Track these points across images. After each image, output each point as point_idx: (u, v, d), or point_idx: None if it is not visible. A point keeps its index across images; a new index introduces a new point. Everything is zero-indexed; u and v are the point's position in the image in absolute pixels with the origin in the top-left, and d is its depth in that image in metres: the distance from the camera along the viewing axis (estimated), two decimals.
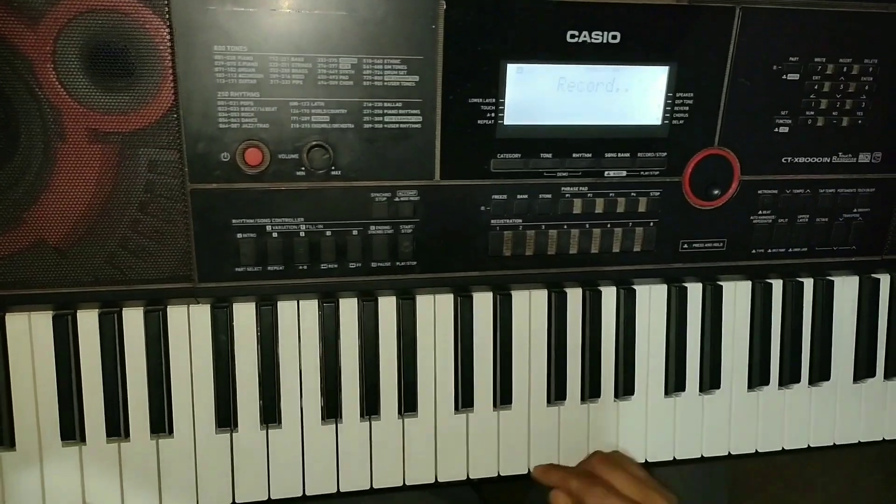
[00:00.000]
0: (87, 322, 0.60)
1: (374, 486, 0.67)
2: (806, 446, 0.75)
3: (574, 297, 0.68)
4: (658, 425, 0.72)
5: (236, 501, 0.64)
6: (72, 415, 0.61)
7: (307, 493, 0.66)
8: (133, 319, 0.61)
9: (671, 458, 0.72)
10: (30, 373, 0.60)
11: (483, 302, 0.67)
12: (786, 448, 0.75)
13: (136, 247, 0.58)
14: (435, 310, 0.66)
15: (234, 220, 0.59)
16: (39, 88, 0.54)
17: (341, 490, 0.66)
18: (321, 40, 0.55)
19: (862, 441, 0.77)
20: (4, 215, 0.56)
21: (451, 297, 0.66)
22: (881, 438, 0.77)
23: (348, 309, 0.64)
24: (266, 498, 0.65)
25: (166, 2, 0.53)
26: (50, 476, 0.61)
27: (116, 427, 0.61)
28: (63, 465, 0.61)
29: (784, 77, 0.63)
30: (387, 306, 0.65)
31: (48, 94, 0.54)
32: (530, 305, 0.68)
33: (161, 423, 0.62)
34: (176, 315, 0.62)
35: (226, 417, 0.63)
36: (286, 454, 0.65)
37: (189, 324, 0.62)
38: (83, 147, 0.55)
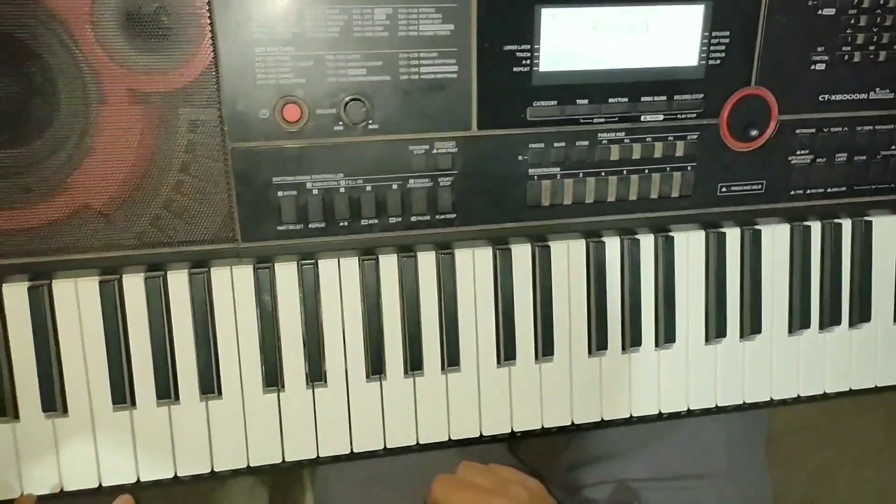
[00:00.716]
0: (133, 286, 0.61)
1: (420, 442, 0.68)
2: (847, 389, 0.75)
3: (612, 245, 0.68)
4: (699, 373, 0.72)
5: (286, 459, 0.65)
6: (122, 379, 0.61)
7: (354, 450, 0.66)
8: (178, 282, 0.61)
9: (713, 406, 0.72)
10: (78, 339, 0.61)
11: (522, 254, 0.67)
12: (827, 392, 0.75)
13: (179, 208, 0.59)
14: (474, 263, 0.66)
15: (274, 179, 0.59)
16: (79, 51, 0.54)
17: (388, 446, 0.67)
18: None
19: None
20: (48, 182, 0.57)
21: (489, 250, 0.66)
22: None
23: (388, 265, 0.64)
24: (315, 456, 0.66)
25: None
26: (103, 440, 0.62)
27: (166, 390, 0.62)
28: (115, 429, 0.62)
29: (820, 12, 0.62)
30: (426, 261, 0.65)
31: (88, 57, 0.54)
32: (569, 256, 0.68)
33: (210, 384, 0.62)
34: (220, 276, 0.62)
35: (273, 377, 0.63)
36: (333, 412, 0.65)
37: (233, 284, 0.62)
38: (124, 109, 0.56)
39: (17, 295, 0.59)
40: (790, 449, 1.52)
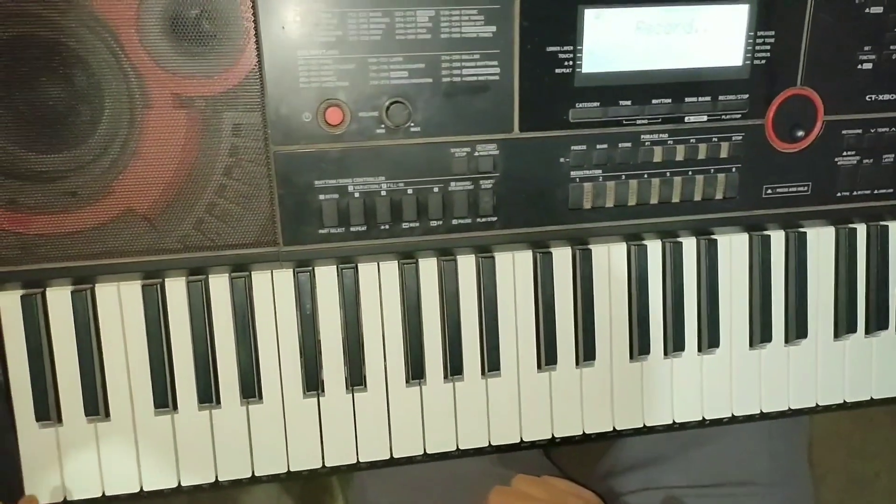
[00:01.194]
0: (176, 290, 0.61)
1: (460, 448, 0.67)
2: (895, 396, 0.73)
3: (654, 249, 0.67)
4: (743, 378, 0.70)
5: (326, 465, 0.65)
6: (164, 383, 0.61)
7: (394, 456, 0.66)
8: (220, 286, 0.61)
9: (758, 412, 0.71)
10: (121, 342, 0.61)
11: (562, 258, 0.66)
12: (874, 398, 0.73)
13: (221, 212, 0.59)
14: (514, 267, 0.65)
15: (316, 182, 0.59)
16: (125, 55, 0.54)
17: (427, 452, 0.66)
18: None
19: None
20: (93, 186, 0.57)
21: (529, 253, 0.65)
22: None
23: (428, 269, 0.64)
24: (355, 461, 0.65)
25: None
26: (144, 445, 0.62)
27: (208, 394, 0.62)
28: (156, 433, 0.62)
29: (867, 10, 0.61)
30: (466, 265, 0.65)
31: (133, 62, 0.55)
32: (610, 259, 0.67)
33: (251, 388, 0.62)
34: (261, 280, 0.62)
35: (313, 382, 0.63)
36: (373, 417, 0.65)
37: (273, 289, 0.62)
38: (169, 113, 0.56)
39: (60, 299, 0.60)
40: (825, 458, 1.50)
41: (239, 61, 0.56)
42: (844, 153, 0.66)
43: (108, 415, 0.61)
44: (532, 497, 0.58)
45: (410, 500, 0.73)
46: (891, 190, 0.68)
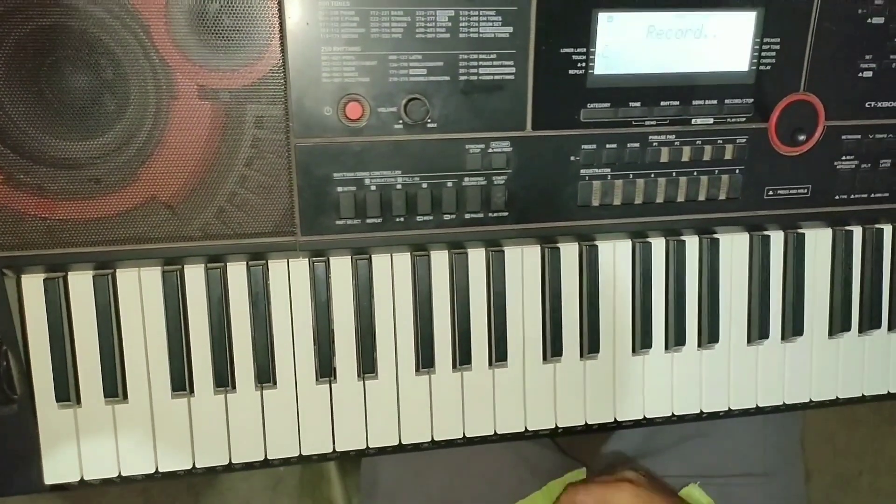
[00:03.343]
0: (195, 276, 0.63)
1: (467, 436, 0.69)
2: (886, 392, 0.76)
3: (658, 246, 0.69)
4: (741, 373, 0.73)
5: (336, 449, 0.67)
6: (181, 367, 0.63)
7: (403, 442, 0.68)
8: (237, 273, 0.63)
9: (754, 406, 0.74)
10: (140, 327, 0.63)
11: (570, 253, 0.68)
12: (865, 395, 0.76)
13: (242, 201, 0.60)
14: (523, 261, 0.67)
15: (335, 174, 0.61)
16: (153, 47, 0.56)
17: (435, 439, 0.68)
18: None
19: None
20: (118, 173, 0.58)
21: (538, 248, 0.67)
22: None
23: (440, 261, 0.66)
24: (364, 447, 0.67)
25: None
26: (161, 427, 0.64)
27: (224, 378, 0.63)
28: (173, 416, 0.64)
29: (869, 21, 0.64)
30: (477, 258, 0.66)
31: (161, 53, 0.56)
32: (615, 256, 0.69)
33: (266, 373, 0.64)
34: (277, 269, 0.64)
35: (326, 369, 0.65)
36: (383, 404, 0.67)
37: (289, 277, 0.64)
38: (194, 104, 0.57)
39: (82, 283, 0.61)
40: (812, 457, 1.53)
41: (264, 56, 0.57)
42: (844, 157, 0.68)
43: (126, 397, 0.63)
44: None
45: (418, 482, 0.75)
46: (887, 194, 0.70)
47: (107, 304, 0.61)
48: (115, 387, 0.62)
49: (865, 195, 0.70)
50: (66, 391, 0.61)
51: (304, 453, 0.66)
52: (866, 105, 0.67)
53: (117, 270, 0.62)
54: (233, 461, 0.65)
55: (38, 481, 0.63)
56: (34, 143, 0.57)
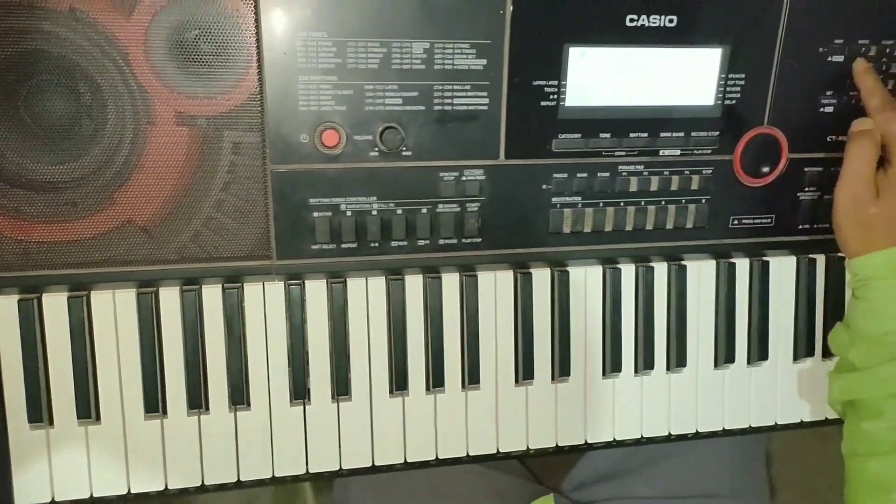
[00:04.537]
0: (169, 299, 0.63)
1: (439, 457, 0.70)
2: None
3: (628, 272, 0.71)
4: (708, 396, 0.74)
5: (309, 471, 0.67)
6: (155, 389, 0.63)
7: (376, 464, 0.69)
8: (212, 296, 0.64)
9: (721, 429, 0.75)
10: (114, 348, 0.63)
11: (542, 278, 0.69)
12: (828, 418, 0.78)
13: (218, 225, 0.61)
14: (496, 286, 0.69)
15: (311, 200, 0.62)
16: (131, 74, 0.57)
17: (408, 460, 0.69)
18: (396, 26, 0.58)
19: None
20: (94, 196, 0.59)
21: (511, 273, 0.69)
22: None
23: (414, 285, 0.67)
24: (337, 468, 0.68)
25: None
26: (134, 448, 0.64)
27: (197, 400, 0.64)
28: (145, 438, 0.64)
29: (830, 59, 0.66)
30: (450, 282, 0.68)
31: (140, 80, 0.57)
32: (586, 281, 0.70)
33: (239, 395, 0.65)
34: (252, 292, 0.64)
35: (300, 391, 0.66)
36: (357, 426, 0.68)
37: (264, 300, 0.65)
38: (171, 130, 0.58)
39: (56, 305, 0.61)
40: (781, 473, 1.55)
41: (242, 83, 0.58)
42: (806, 189, 0.70)
43: (98, 418, 0.63)
44: None
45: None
46: None
47: (81, 326, 0.62)
48: (88, 408, 0.62)
49: (828, 225, 0.71)
50: (39, 412, 0.62)
51: (277, 475, 0.67)
52: (828, 139, 0.69)
53: (92, 292, 0.62)
54: (205, 482, 0.66)
55: (8, 503, 0.63)
56: (11, 167, 0.57)
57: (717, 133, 0.67)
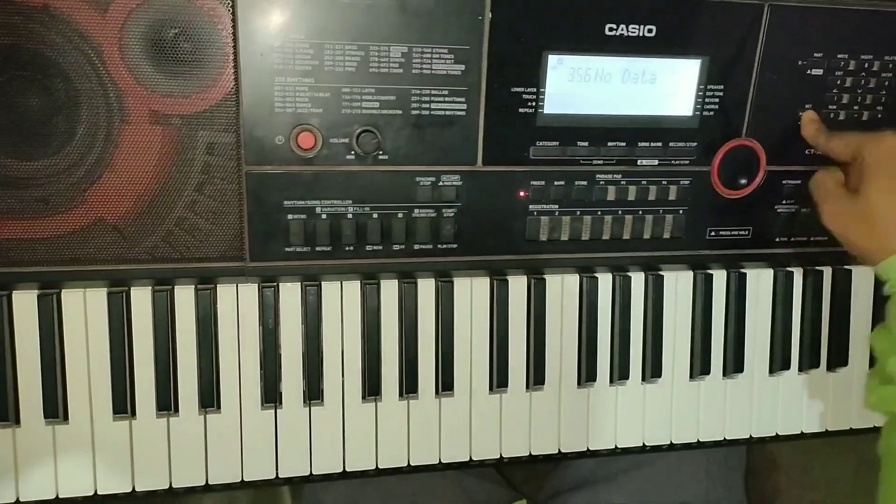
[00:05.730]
0: (141, 299, 0.63)
1: (411, 464, 0.69)
2: (824, 430, 0.78)
3: (604, 281, 0.71)
4: (683, 407, 0.74)
5: (280, 476, 0.67)
6: (124, 390, 0.63)
7: (347, 469, 0.68)
8: (185, 297, 0.63)
9: (695, 440, 0.75)
10: (83, 348, 0.62)
11: (518, 285, 0.69)
12: (805, 431, 0.78)
13: (191, 226, 0.61)
14: (472, 292, 0.68)
15: (285, 202, 0.61)
16: (106, 71, 0.56)
17: (379, 467, 0.69)
18: (374, 29, 0.58)
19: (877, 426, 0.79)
20: (66, 194, 0.59)
21: (487, 280, 0.69)
22: None
23: (389, 290, 0.67)
24: (308, 473, 0.67)
25: None
26: (102, 449, 0.63)
27: (167, 402, 0.63)
28: (113, 438, 0.63)
29: (809, 72, 0.66)
30: (426, 288, 0.67)
31: (114, 78, 0.56)
32: (563, 290, 0.70)
33: (209, 397, 0.64)
34: (225, 293, 0.64)
35: (271, 394, 0.65)
36: (328, 431, 0.67)
37: (237, 302, 0.64)
38: (145, 128, 0.58)
39: (26, 302, 0.61)
40: (765, 487, 1.55)
41: (217, 83, 0.58)
42: (784, 202, 0.70)
43: (66, 418, 0.62)
44: None
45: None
46: (826, 237, 0.72)
47: (50, 324, 0.61)
48: (55, 407, 0.61)
49: (805, 238, 0.72)
50: (5, 411, 0.61)
51: (246, 479, 0.66)
52: (806, 152, 0.69)
53: (62, 291, 0.62)
54: (173, 485, 0.65)
55: None
56: None
57: (695, 144, 0.67)
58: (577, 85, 0.63)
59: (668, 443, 0.74)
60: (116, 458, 0.64)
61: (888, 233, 0.60)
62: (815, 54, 0.66)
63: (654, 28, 0.62)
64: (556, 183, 0.65)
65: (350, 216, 0.63)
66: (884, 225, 0.60)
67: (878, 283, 0.66)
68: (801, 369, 0.77)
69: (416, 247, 0.65)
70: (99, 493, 0.64)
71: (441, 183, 0.64)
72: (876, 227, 0.60)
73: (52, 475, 0.63)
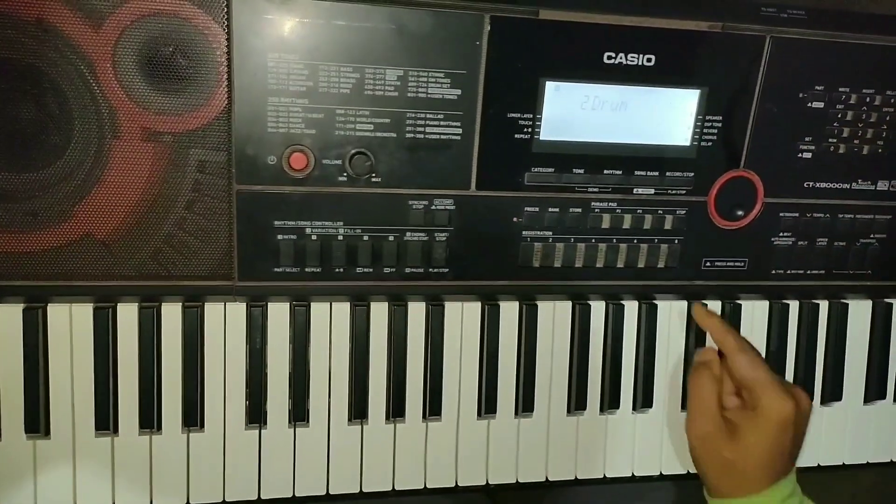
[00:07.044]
0: (127, 316, 0.62)
1: (396, 488, 0.68)
2: (816, 465, 0.77)
3: (597, 309, 0.70)
4: (674, 439, 0.73)
5: (262, 497, 0.66)
6: (107, 406, 0.62)
7: (330, 492, 0.67)
8: (171, 314, 0.62)
9: (686, 472, 0.74)
10: (68, 363, 0.62)
11: (509, 311, 0.68)
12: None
13: (180, 243, 0.60)
14: (462, 317, 0.68)
15: (276, 222, 0.61)
16: (98, 87, 0.56)
17: (364, 490, 0.68)
18: (370, 52, 0.58)
19: (870, 462, 0.78)
20: (55, 208, 0.58)
21: (478, 305, 0.68)
22: (889, 460, 0.79)
23: (379, 312, 0.66)
24: (291, 495, 0.66)
25: (226, 10, 0.55)
26: (82, 466, 0.63)
27: (150, 420, 0.63)
28: (95, 455, 0.63)
29: (809, 105, 0.66)
30: (416, 311, 0.67)
31: (106, 93, 0.56)
32: (554, 316, 0.69)
33: (193, 416, 0.63)
34: (213, 312, 0.63)
35: (256, 414, 0.64)
36: (312, 453, 0.66)
37: (225, 320, 0.64)
38: (136, 145, 0.57)
39: (11, 316, 0.60)
40: None
41: (210, 102, 0.57)
42: (781, 234, 0.69)
43: (48, 434, 0.62)
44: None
45: None
46: (823, 271, 0.72)
47: (35, 339, 0.60)
48: (37, 422, 0.61)
49: (802, 271, 0.71)
50: None
51: (228, 499, 0.65)
52: (804, 185, 0.68)
53: (48, 305, 0.61)
54: (154, 503, 0.64)
55: None
56: None
57: (693, 174, 0.66)
58: (575, 112, 0.62)
59: (658, 473, 0.73)
60: (97, 475, 0.63)
61: (747, 480, 0.58)
62: (817, 87, 0.65)
63: (653, 57, 0.61)
64: (550, 209, 0.65)
65: (341, 238, 0.62)
66: (744, 474, 0.58)
67: None
68: None
69: (407, 270, 0.64)
70: None
71: (434, 207, 0.63)
72: (736, 471, 0.58)
73: (32, 490, 0.62)
